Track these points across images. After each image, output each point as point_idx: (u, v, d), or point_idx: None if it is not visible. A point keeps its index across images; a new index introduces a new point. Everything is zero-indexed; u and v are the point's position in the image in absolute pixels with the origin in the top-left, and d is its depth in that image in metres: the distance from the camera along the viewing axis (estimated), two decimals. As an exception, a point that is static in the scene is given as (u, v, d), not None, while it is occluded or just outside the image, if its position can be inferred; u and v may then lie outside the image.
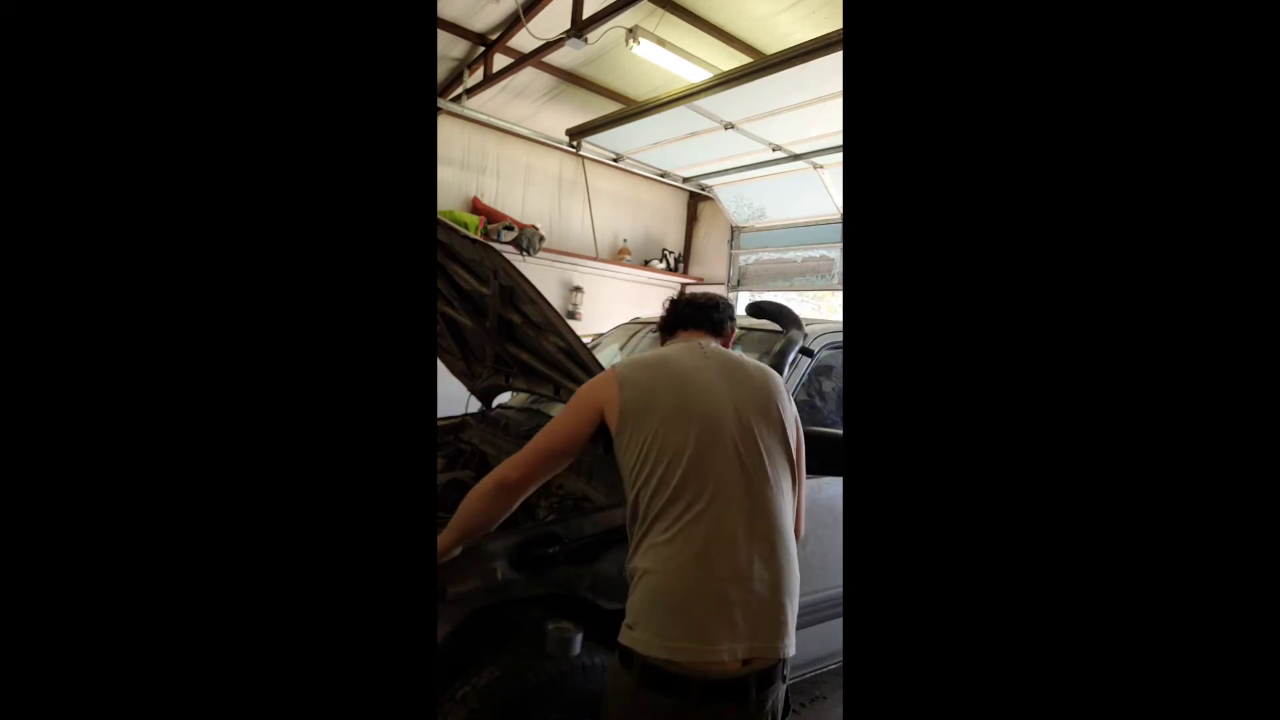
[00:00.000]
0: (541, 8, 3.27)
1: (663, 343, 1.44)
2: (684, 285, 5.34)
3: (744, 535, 1.05)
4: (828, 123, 3.22)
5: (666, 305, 1.45)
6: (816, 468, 1.34)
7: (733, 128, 3.43)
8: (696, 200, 5.42)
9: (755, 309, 1.94)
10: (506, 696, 1.24)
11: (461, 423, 2.40)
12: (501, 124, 4.07)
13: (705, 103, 3.12)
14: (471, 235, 1.51)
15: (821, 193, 4.13)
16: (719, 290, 5.07)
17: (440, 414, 2.23)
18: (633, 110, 3.46)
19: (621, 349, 2.60)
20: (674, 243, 5.41)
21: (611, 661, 1.07)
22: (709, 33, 3.44)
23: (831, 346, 1.99)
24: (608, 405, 1.17)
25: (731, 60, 3.51)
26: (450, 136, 4.18)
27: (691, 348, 1.28)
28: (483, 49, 3.76)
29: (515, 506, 1.20)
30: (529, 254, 4.22)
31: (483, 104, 3.99)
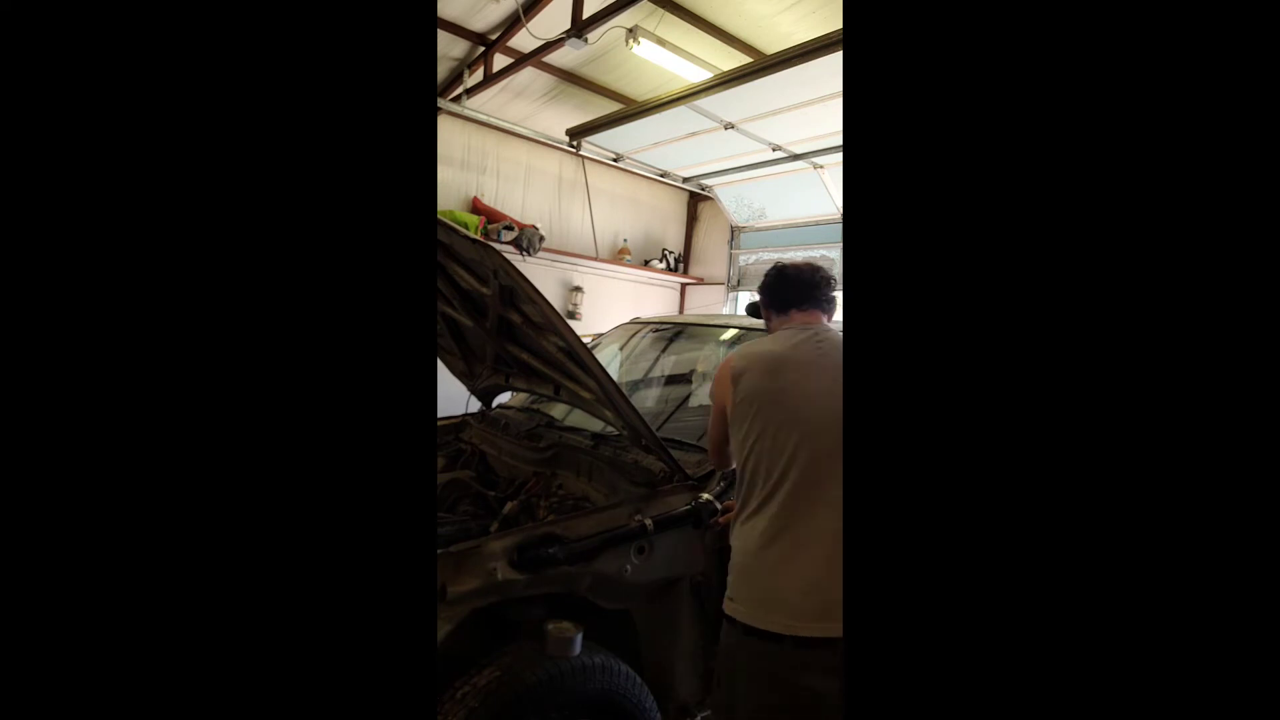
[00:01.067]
0: (541, 8, 3.27)
1: (770, 323, 1.43)
2: (684, 285, 5.33)
3: (830, 532, 1.15)
4: (828, 123, 3.22)
5: (771, 277, 1.44)
6: None
7: (733, 128, 3.42)
8: (696, 200, 5.42)
9: (755, 309, 1.94)
10: (506, 696, 1.24)
11: (461, 423, 2.40)
12: (501, 124, 4.07)
13: (705, 103, 3.11)
14: (471, 235, 1.51)
15: (821, 193, 4.13)
16: (719, 290, 5.06)
17: (440, 414, 2.24)
18: (633, 110, 3.46)
19: (621, 349, 2.60)
20: (674, 243, 5.41)
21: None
22: (709, 33, 3.44)
23: None
24: (727, 400, 1.25)
25: (731, 60, 3.50)
26: (450, 136, 4.18)
27: (808, 341, 1.28)
28: (483, 49, 3.75)
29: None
30: (529, 254, 4.22)
31: (483, 104, 3.99)
